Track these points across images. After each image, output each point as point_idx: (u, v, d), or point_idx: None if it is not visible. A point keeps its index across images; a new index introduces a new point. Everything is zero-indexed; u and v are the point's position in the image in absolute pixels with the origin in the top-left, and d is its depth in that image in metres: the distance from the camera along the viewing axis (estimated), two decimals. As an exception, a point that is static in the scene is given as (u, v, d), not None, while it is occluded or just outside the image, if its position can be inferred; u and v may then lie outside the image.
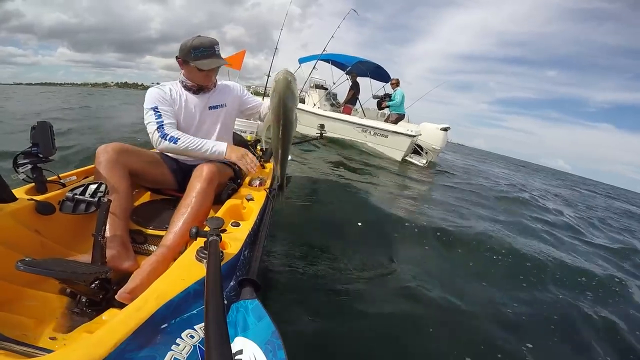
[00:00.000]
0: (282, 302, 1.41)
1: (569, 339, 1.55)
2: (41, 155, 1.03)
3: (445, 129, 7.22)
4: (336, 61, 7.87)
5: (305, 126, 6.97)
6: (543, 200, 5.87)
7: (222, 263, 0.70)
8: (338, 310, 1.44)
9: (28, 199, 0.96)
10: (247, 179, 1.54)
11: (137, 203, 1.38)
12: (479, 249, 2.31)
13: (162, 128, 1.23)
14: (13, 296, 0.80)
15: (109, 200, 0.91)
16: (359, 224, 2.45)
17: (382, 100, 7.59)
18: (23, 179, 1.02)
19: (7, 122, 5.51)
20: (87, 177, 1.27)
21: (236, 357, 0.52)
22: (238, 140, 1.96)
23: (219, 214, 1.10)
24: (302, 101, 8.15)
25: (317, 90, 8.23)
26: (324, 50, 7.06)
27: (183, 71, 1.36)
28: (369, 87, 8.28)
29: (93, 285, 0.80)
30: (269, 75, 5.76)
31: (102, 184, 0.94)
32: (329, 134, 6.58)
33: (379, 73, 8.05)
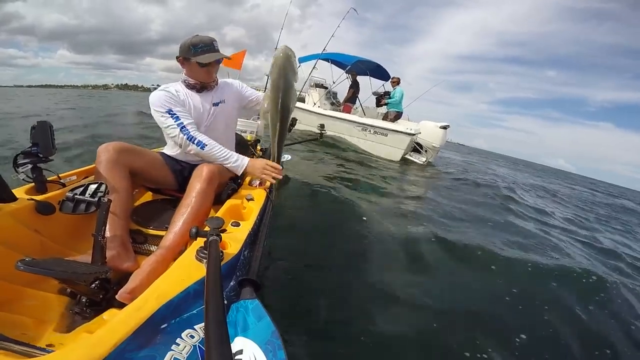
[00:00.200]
0: (282, 302, 1.41)
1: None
2: (41, 155, 1.03)
3: (445, 127, 7.24)
4: (336, 60, 7.88)
5: (305, 125, 6.98)
6: (541, 199, 5.88)
7: (222, 263, 0.70)
8: (338, 311, 1.44)
9: (28, 199, 0.96)
10: (247, 179, 1.54)
11: (137, 203, 1.38)
12: (477, 256, 2.29)
13: (186, 130, 1.24)
14: (13, 296, 0.80)
15: (109, 200, 0.91)
16: (357, 225, 2.45)
17: (381, 98, 7.63)
18: (23, 179, 1.02)
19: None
20: (87, 177, 1.27)
21: (236, 357, 0.52)
22: (238, 140, 1.96)
23: (219, 214, 1.10)
24: (302, 100, 8.17)
25: (317, 89, 8.24)
26: (324, 49, 7.07)
27: (185, 70, 1.37)
28: (368, 85, 8.32)
29: (93, 285, 0.80)
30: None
31: (102, 183, 0.94)
32: (329, 133, 6.57)
33: (378, 72, 8.07)
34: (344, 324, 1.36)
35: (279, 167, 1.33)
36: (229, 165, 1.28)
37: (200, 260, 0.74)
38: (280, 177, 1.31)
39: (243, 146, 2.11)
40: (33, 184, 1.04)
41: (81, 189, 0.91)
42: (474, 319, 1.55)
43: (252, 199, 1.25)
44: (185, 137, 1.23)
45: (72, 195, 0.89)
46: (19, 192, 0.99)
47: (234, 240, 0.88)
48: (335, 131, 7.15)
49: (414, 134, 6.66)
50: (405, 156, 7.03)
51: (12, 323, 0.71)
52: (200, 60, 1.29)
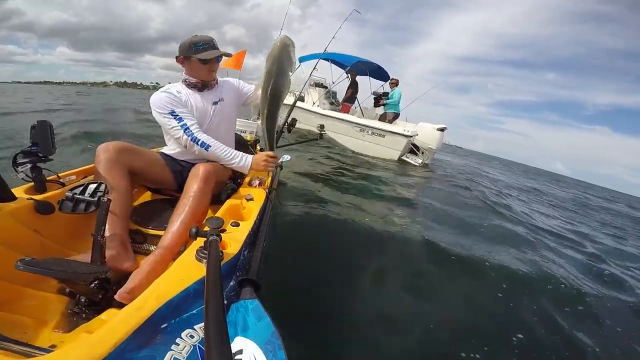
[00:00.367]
0: (281, 302, 1.41)
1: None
2: (41, 155, 1.03)
3: (442, 129, 7.29)
4: (336, 60, 7.90)
5: (305, 124, 6.99)
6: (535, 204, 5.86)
7: (222, 263, 0.70)
8: (338, 311, 1.44)
9: (27, 199, 0.96)
10: (246, 179, 1.54)
11: (136, 203, 1.38)
12: (469, 263, 2.27)
13: (190, 131, 1.24)
14: (13, 296, 0.80)
15: (109, 200, 0.91)
16: (354, 226, 2.45)
17: (380, 98, 7.68)
18: (22, 179, 1.02)
19: None
20: (87, 176, 1.27)
21: (236, 357, 0.52)
22: (237, 140, 1.96)
23: (219, 214, 1.10)
24: (302, 99, 8.18)
25: (317, 88, 8.25)
26: (325, 50, 7.10)
27: (185, 70, 1.37)
28: (368, 86, 8.34)
29: (92, 285, 0.80)
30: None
31: (102, 183, 0.94)
32: (327, 133, 6.57)
33: (378, 72, 8.09)
34: (343, 323, 1.36)
35: (275, 155, 1.35)
36: (234, 165, 1.29)
37: (200, 260, 0.74)
38: (277, 164, 1.35)
39: (243, 146, 2.11)
40: (32, 183, 1.04)
41: (81, 188, 0.91)
42: (460, 325, 1.54)
43: (251, 199, 1.25)
44: (189, 138, 1.23)
45: (71, 194, 0.89)
46: (18, 191, 0.98)
47: (233, 240, 0.88)
48: (334, 131, 7.17)
49: (410, 136, 6.71)
50: (402, 157, 7.07)
51: (11, 323, 0.71)
52: (202, 56, 1.29)
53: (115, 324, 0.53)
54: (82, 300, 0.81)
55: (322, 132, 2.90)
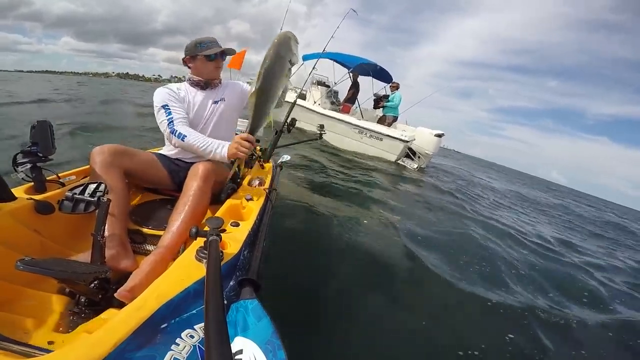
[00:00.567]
0: (281, 302, 1.41)
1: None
2: (40, 155, 1.03)
3: (440, 135, 7.34)
4: (339, 60, 7.92)
5: (304, 123, 7.00)
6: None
7: (222, 263, 0.70)
8: (337, 311, 1.45)
9: (27, 199, 0.96)
10: (246, 179, 1.54)
11: (136, 203, 1.38)
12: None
13: (172, 124, 1.25)
14: (12, 296, 0.79)
15: (109, 200, 0.91)
16: (354, 226, 2.46)
17: (380, 100, 7.74)
18: (22, 179, 1.02)
19: None
20: (86, 176, 1.27)
21: (236, 357, 0.52)
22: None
23: (219, 213, 1.10)
24: (303, 97, 8.19)
25: (319, 87, 8.25)
26: (324, 50, 7.10)
27: (191, 69, 1.41)
28: (370, 87, 8.36)
29: (92, 285, 0.80)
30: None
31: (102, 183, 0.94)
32: (326, 133, 6.55)
33: (381, 74, 8.11)
34: (343, 323, 1.36)
35: (251, 138, 1.19)
36: (211, 154, 1.21)
37: (200, 260, 0.74)
38: (248, 148, 1.17)
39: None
40: (32, 183, 1.04)
41: (80, 188, 0.91)
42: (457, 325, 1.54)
43: (251, 199, 1.25)
44: (169, 130, 1.24)
45: (71, 194, 0.88)
46: (18, 191, 0.98)
47: (233, 240, 0.88)
48: (333, 131, 7.18)
49: (408, 141, 6.75)
50: (398, 161, 7.11)
51: (11, 323, 0.71)
52: (207, 52, 1.34)
53: (115, 324, 0.53)
54: (82, 300, 0.81)
55: (322, 132, 2.90)
